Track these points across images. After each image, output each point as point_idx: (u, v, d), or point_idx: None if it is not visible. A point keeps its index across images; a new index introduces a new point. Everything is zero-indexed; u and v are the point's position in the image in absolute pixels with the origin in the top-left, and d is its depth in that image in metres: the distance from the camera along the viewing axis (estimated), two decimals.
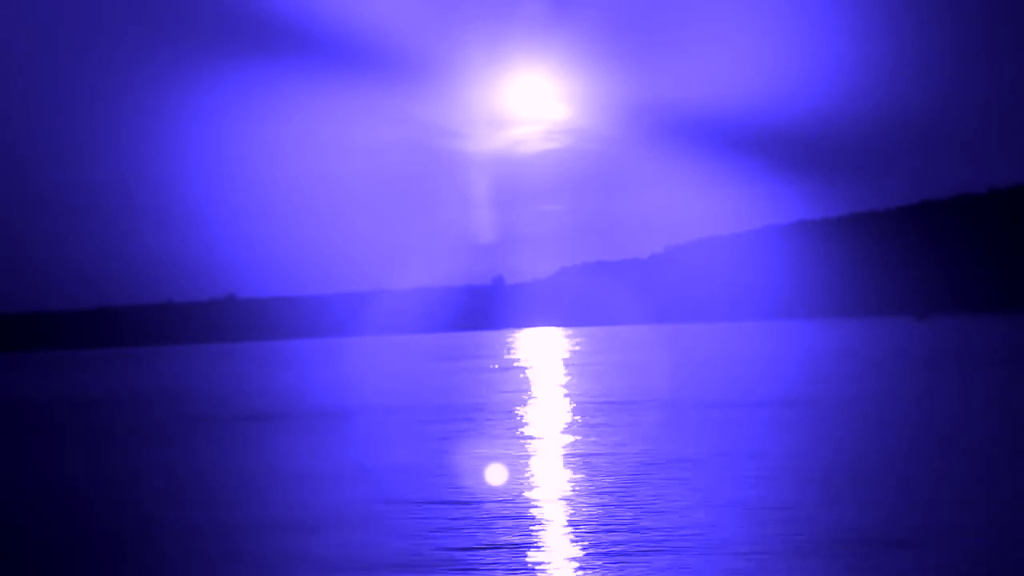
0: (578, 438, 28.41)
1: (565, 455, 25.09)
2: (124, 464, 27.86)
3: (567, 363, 76.45)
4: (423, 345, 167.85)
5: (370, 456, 26.71)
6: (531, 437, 29.22)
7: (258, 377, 79.11)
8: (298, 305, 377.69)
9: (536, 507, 18.43)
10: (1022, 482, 18.38)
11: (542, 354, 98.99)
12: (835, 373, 49.28)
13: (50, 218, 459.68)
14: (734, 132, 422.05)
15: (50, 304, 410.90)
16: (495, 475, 22.44)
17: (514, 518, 17.52)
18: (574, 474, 22.00)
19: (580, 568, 13.91)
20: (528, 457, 25.03)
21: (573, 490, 20.01)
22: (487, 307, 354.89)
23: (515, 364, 79.49)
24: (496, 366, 77.82)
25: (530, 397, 44.30)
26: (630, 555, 14.49)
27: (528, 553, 14.95)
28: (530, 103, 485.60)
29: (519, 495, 19.73)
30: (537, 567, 14.12)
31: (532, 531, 16.42)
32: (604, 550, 14.87)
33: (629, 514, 17.35)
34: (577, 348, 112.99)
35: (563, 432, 30.11)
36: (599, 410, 36.26)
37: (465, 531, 16.65)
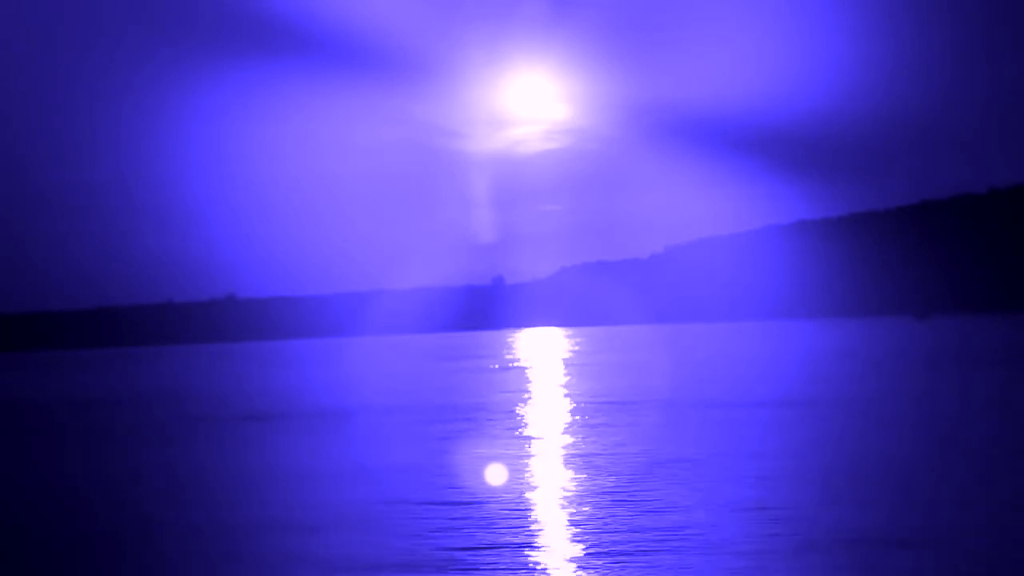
0: (578, 438, 28.42)
1: (565, 455, 25.09)
2: (124, 464, 27.86)
3: (567, 363, 76.45)
4: (423, 345, 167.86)
5: (370, 456, 26.71)
6: (531, 437, 29.23)
7: (258, 377, 79.11)
8: (298, 305, 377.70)
9: (536, 507, 18.43)
10: (1022, 482, 18.38)
11: (542, 354, 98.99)
12: (835, 373, 49.27)
13: (50, 218, 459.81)
14: (734, 132, 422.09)
15: (50, 304, 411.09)
16: (495, 475, 22.44)
17: (514, 518, 17.52)
18: (574, 474, 22.00)
19: (580, 568, 13.92)
20: (528, 457, 25.03)
21: (573, 490, 20.01)
22: (487, 307, 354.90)
23: (515, 364, 79.48)
24: (496, 366, 77.82)
25: (530, 397, 44.30)
26: (630, 555, 14.50)
27: (528, 553, 14.95)
28: (530, 103, 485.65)
29: (519, 495, 19.73)
30: (537, 567, 14.12)
31: (532, 531, 16.42)
32: (604, 550, 14.87)
33: (629, 514, 17.35)
34: (577, 348, 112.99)
35: (563, 432, 30.11)
36: (599, 410, 36.26)
37: (465, 531, 16.65)
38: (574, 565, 14.10)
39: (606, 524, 16.64)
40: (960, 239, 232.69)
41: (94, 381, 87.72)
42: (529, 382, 55.33)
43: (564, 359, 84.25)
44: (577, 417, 34.26)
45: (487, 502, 19.11)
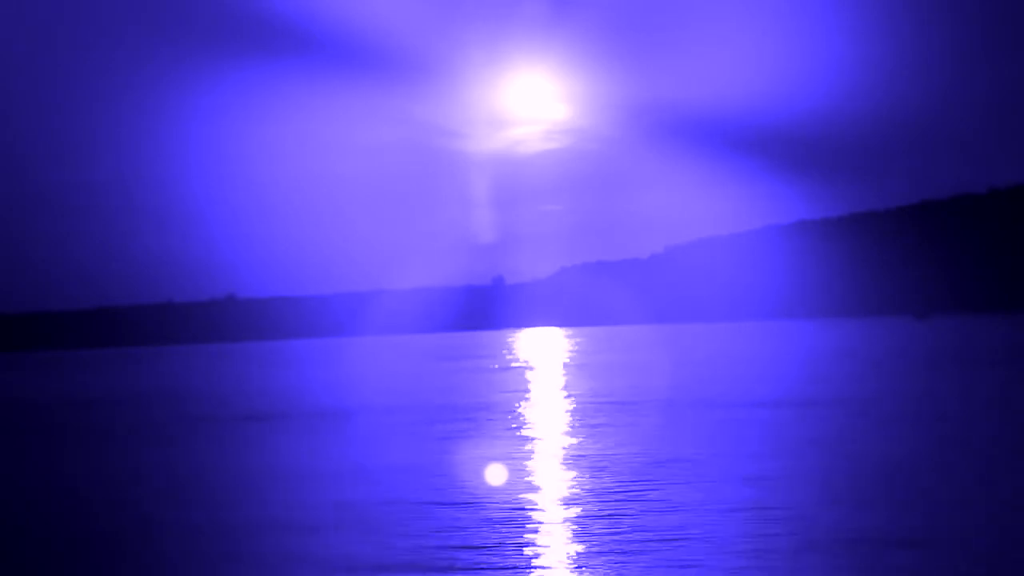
0: (578, 438, 28.41)
1: (565, 455, 25.09)
2: (124, 464, 27.86)
3: (567, 363, 76.44)
4: (423, 345, 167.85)
5: (370, 456, 26.71)
6: (531, 437, 29.23)
7: (258, 377, 79.11)
8: (298, 305, 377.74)
9: (536, 507, 18.43)
10: (1022, 482, 18.38)
11: (542, 354, 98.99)
12: (835, 373, 49.27)
13: (50, 218, 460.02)
14: (734, 132, 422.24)
15: (50, 304, 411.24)
16: (495, 475, 22.44)
17: (514, 518, 17.52)
18: (574, 474, 22.00)
19: (580, 568, 13.91)
20: (528, 457, 25.03)
21: (573, 490, 20.00)
22: (487, 307, 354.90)
23: (515, 364, 79.49)
24: (496, 366, 77.82)
25: (530, 397, 44.31)
26: (630, 555, 14.49)
27: (528, 553, 14.94)
28: (530, 103, 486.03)
29: (519, 495, 19.73)
30: (537, 567, 14.11)
31: (532, 531, 16.42)
32: (604, 550, 14.87)
33: (629, 514, 17.34)
34: (577, 348, 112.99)
35: (563, 432, 30.11)
36: (599, 410, 36.26)
37: (466, 531, 16.65)
38: (574, 565, 14.10)
39: (606, 524, 16.64)
40: (960, 239, 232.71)
41: (94, 381, 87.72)
42: (529, 382, 55.33)
43: (564, 359, 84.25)
44: (577, 417, 34.26)
45: (487, 502, 19.11)
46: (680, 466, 22.21)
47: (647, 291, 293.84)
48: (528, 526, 16.81)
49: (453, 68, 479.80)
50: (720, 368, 58.75)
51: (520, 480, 21.54)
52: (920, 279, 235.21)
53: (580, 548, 15.07)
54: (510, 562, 14.46)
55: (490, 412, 37.71)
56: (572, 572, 13.75)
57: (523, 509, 18.29)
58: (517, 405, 40.31)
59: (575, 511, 17.87)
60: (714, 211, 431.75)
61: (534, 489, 20.33)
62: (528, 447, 26.96)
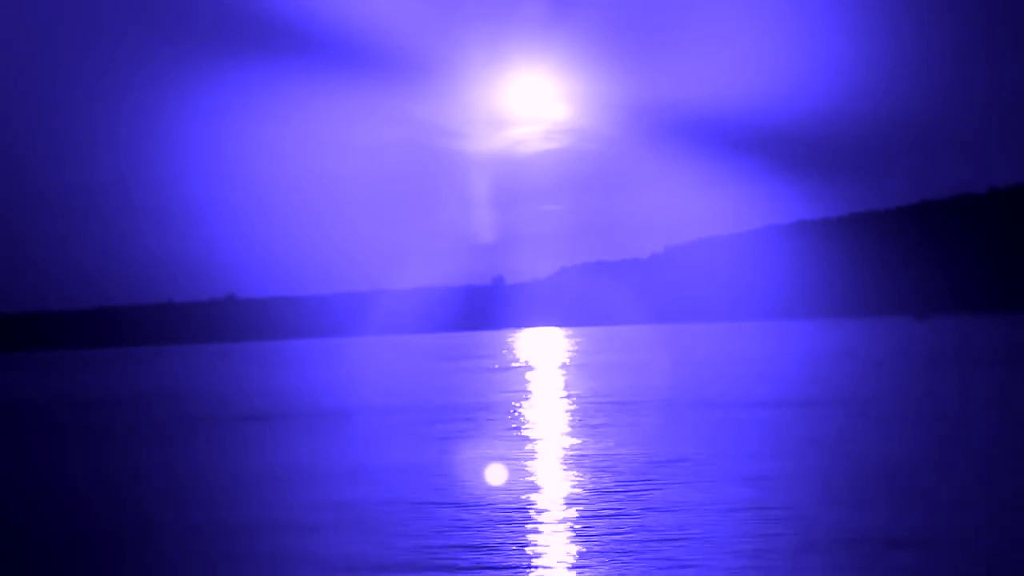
0: (578, 438, 28.41)
1: (565, 455, 25.09)
2: (124, 464, 27.86)
3: (567, 363, 76.44)
4: (423, 345, 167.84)
5: (370, 456, 26.71)
6: (531, 437, 29.22)
7: (258, 377, 79.11)
8: (298, 305, 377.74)
9: (537, 507, 18.43)
10: (1022, 482, 18.38)
11: (542, 354, 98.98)
12: (835, 373, 49.27)
13: (50, 218, 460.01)
14: (734, 132, 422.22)
15: (50, 304, 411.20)
16: (495, 475, 22.44)
17: (514, 518, 17.51)
18: (574, 474, 22.00)
19: (580, 568, 13.91)
20: (528, 457, 25.03)
21: (574, 490, 20.00)
22: (487, 307, 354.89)
23: (515, 364, 79.48)
24: (496, 366, 77.81)
25: (530, 397, 44.31)
26: (630, 555, 14.49)
27: (528, 553, 14.94)
28: (530, 103, 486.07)
29: (519, 495, 19.73)
30: (537, 567, 14.11)
31: (532, 531, 16.42)
32: (604, 550, 14.87)
33: (629, 514, 17.34)
34: (577, 348, 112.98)
35: (563, 432, 30.11)
36: (599, 410, 36.26)
37: (466, 531, 16.64)
38: (574, 565, 14.10)
39: (606, 524, 16.64)
40: (960, 239, 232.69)
41: (94, 381, 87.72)
42: (529, 382, 55.33)
43: (564, 359, 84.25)
44: (577, 417, 34.26)
45: (487, 502, 19.11)
46: (680, 466, 22.20)
47: (647, 291, 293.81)
48: (528, 526, 16.81)
49: (453, 68, 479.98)
50: (720, 368, 58.74)
51: (520, 480, 21.54)
52: (920, 279, 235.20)
53: (580, 548, 15.07)
54: (510, 562, 14.46)
55: (490, 412, 37.71)
56: (572, 572, 13.75)
57: (523, 509, 18.29)
58: (517, 405, 40.31)
59: (575, 511, 17.87)
60: (714, 211, 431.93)
61: (534, 489, 20.33)
62: (528, 447, 26.96)
